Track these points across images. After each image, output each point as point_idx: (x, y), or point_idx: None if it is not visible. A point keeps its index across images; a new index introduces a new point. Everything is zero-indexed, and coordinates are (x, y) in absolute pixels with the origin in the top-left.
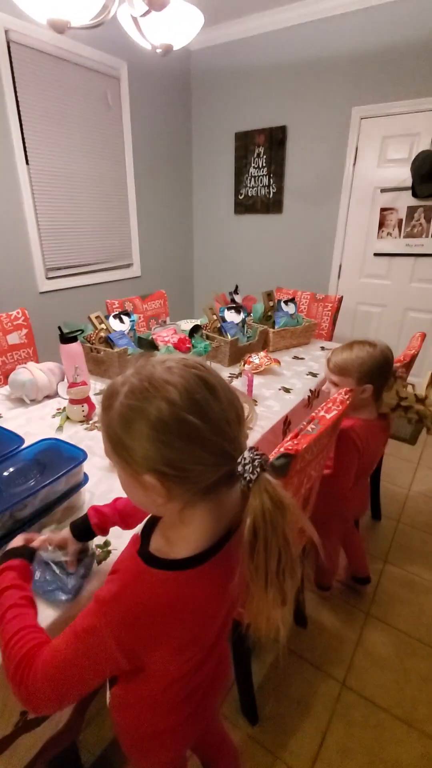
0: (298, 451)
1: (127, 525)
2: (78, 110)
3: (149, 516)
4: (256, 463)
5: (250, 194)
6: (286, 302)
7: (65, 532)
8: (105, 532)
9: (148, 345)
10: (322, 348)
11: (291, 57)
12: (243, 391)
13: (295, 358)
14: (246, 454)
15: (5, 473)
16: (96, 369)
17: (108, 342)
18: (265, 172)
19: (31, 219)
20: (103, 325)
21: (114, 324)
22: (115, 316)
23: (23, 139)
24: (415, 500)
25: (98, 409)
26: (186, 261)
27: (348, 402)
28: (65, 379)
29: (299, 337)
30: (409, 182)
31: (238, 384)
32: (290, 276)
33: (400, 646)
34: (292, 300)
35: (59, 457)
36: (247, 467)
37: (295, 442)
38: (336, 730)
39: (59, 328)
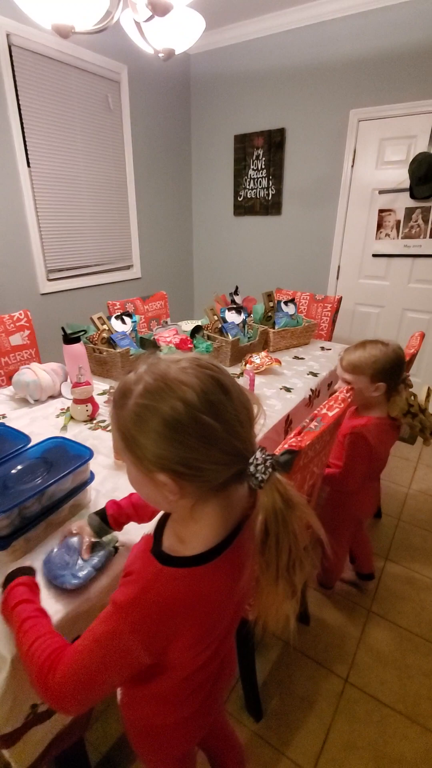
0: (301, 448)
1: (140, 518)
2: (79, 113)
3: (160, 515)
4: (267, 463)
5: (249, 196)
6: (286, 303)
7: (83, 520)
8: (120, 527)
9: (151, 346)
10: (322, 348)
11: (289, 60)
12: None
13: (296, 358)
14: (258, 454)
15: (13, 471)
16: (98, 369)
17: (110, 343)
18: (264, 174)
19: (32, 221)
20: (105, 326)
21: (116, 325)
22: (116, 317)
23: (25, 142)
24: (415, 498)
25: (110, 405)
26: (186, 262)
27: (349, 400)
28: (68, 380)
29: (299, 338)
30: (406, 184)
31: (240, 384)
32: (289, 277)
33: (402, 642)
34: (292, 301)
35: (65, 456)
36: (259, 467)
37: (299, 438)
38: (340, 726)
39: (62, 328)
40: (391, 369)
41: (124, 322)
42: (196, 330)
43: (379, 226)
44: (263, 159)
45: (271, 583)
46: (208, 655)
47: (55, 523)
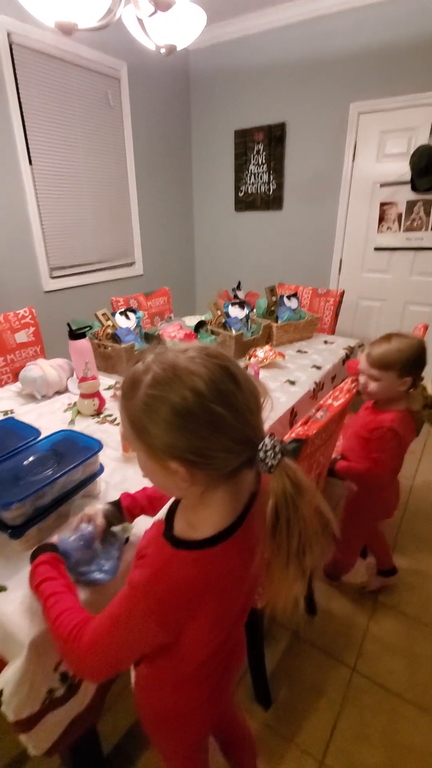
0: (309, 437)
1: (155, 510)
2: (79, 111)
3: (171, 501)
4: (277, 449)
5: (249, 191)
6: (288, 297)
7: (97, 507)
8: (133, 518)
9: (156, 341)
10: (326, 342)
11: (289, 55)
12: None
13: (299, 351)
14: (266, 440)
15: (24, 462)
16: (103, 365)
17: (115, 338)
18: (264, 169)
19: (35, 219)
20: (109, 322)
21: (120, 321)
22: (121, 313)
23: (26, 139)
24: (419, 490)
25: (119, 396)
26: (187, 259)
27: (354, 391)
28: (74, 375)
29: (302, 332)
30: (408, 176)
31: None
32: (291, 272)
33: (409, 632)
34: (295, 295)
35: (75, 447)
36: (268, 453)
37: (306, 428)
38: (349, 715)
39: (68, 324)
40: (418, 362)
41: (128, 317)
42: (200, 325)
43: (381, 219)
44: (264, 154)
45: (281, 566)
46: (221, 640)
47: (66, 514)
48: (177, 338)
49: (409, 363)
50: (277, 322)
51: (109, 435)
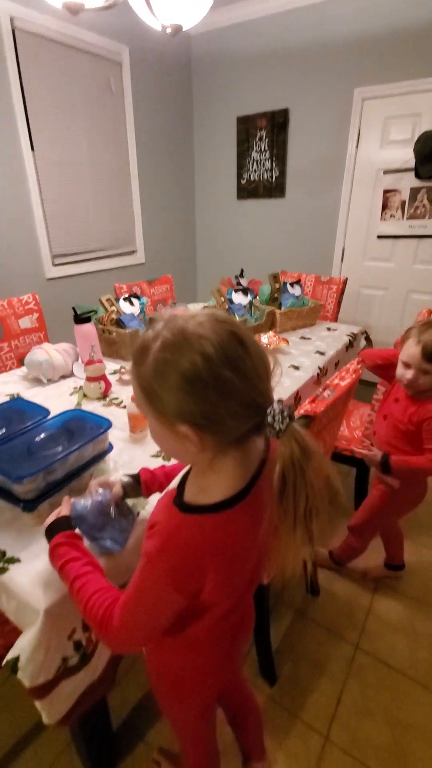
0: (317, 414)
1: None
2: (81, 96)
3: (184, 471)
4: (285, 414)
5: (252, 179)
6: (292, 284)
7: (115, 478)
8: (149, 493)
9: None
10: (329, 329)
11: (292, 40)
12: None
13: (302, 338)
14: (275, 405)
15: (36, 439)
16: (108, 350)
17: (119, 324)
18: (267, 156)
19: (37, 205)
20: (114, 308)
21: (124, 307)
22: (125, 299)
23: (28, 125)
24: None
25: (130, 363)
26: (189, 247)
27: (360, 371)
28: (80, 360)
29: (305, 318)
30: (411, 163)
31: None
32: (293, 260)
33: (411, 612)
34: (298, 282)
35: (84, 426)
36: (276, 418)
37: (314, 405)
38: (352, 690)
39: (73, 309)
40: None
41: (132, 303)
42: None
43: (384, 206)
44: (266, 140)
45: (289, 530)
46: (232, 604)
47: (77, 490)
48: None
49: None
50: (280, 308)
51: (116, 417)
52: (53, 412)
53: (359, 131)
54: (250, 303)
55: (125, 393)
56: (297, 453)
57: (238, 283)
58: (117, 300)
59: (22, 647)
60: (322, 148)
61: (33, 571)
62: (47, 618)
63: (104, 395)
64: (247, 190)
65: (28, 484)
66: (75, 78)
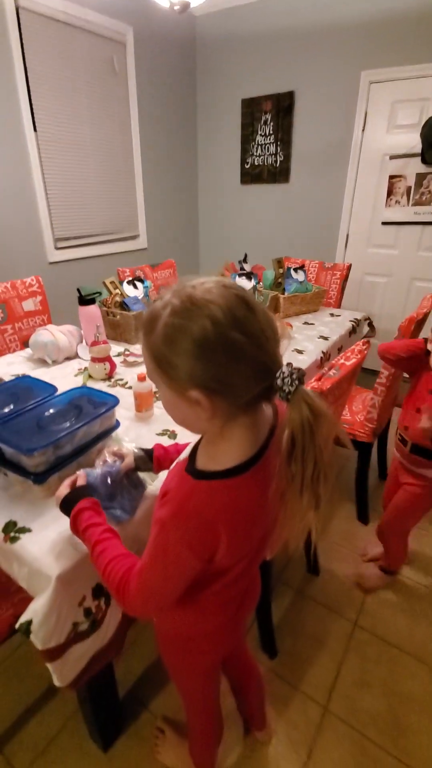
0: (323, 390)
1: None
2: (85, 76)
3: (195, 441)
4: (294, 376)
5: (256, 163)
6: (295, 270)
7: (130, 448)
8: (159, 469)
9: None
10: (332, 315)
11: (299, 20)
12: None
13: (306, 323)
14: (284, 368)
15: (45, 414)
16: (112, 333)
17: (123, 306)
18: (272, 140)
19: (39, 187)
20: (117, 290)
21: (128, 290)
22: (128, 282)
23: (31, 106)
24: None
25: (140, 334)
26: (192, 232)
27: (365, 352)
28: (84, 341)
29: (309, 304)
30: (418, 148)
31: None
32: (297, 246)
33: (409, 591)
34: (302, 267)
35: (92, 403)
36: (285, 380)
37: (320, 383)
38: (351, 664)
39: (78, 290)
40: None
41: (135, 287)
42: None
43: (389, 192)
44: (271, 124)
45: (296, 494)
46: (238, 572)
47: (85, 465)
48: None
49: None
50: (284, 293)
51: (122, 398)
52: (60, 391)
53: (366, 115)
54: (254, 288)
55: (130, 374)
56: (307, 415)
57: (242, 268)
58: (121, 283)
59: (34, 611)
60: (328, 132)
61: (44, 541)
62: (59, 584)
63: (109, 376)
64: (251, 175)
65: (38, 457)
66: (78, 58)
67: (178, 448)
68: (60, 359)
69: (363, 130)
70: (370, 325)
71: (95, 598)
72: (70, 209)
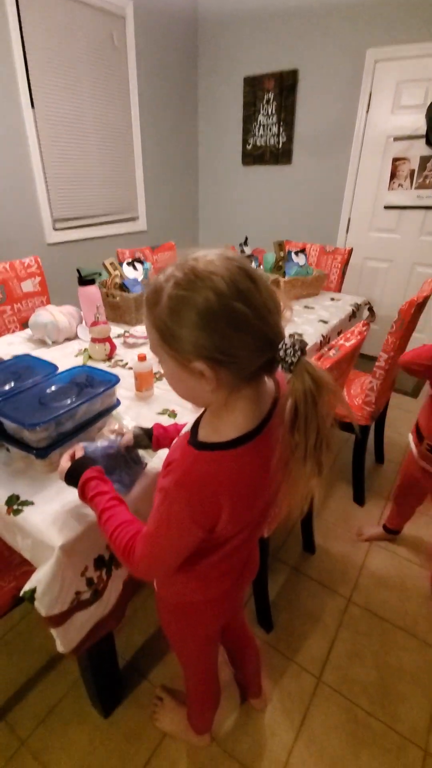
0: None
1: None
2: (84, 52)
3: (197, 416)
4: (296, 347)
5: (258, 144)
6: (296, 253)
7: (130, 425)
8: (158, 447)
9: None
10: (332, 299)
11: None
12: None
13: (306, 307)
14: (286, 339)
15: (47, 391)
16: (111, 314)
17: (123, 288)
18: (274, 120)
19: (37, 166)
20: (117, 272)
21: (128, 271)
22: (128, 264)
23: (29, 81)
24: None
25: (144, 307)
26: (192, 214)
27: (365, 333)
28: (83, 322)
29: (309, 288)
30: (423, 130)
31: None
32: (298, 230)
33: (402, 569)
34: (303, 251)
35: (93, 381)
36: (288, 351)
37: (319, 362)
38: (344, 638)
39: (78, 270)
40: None
41: (135, 268)
42: None
43: (393, 175)
44: (274, 103)
45: (299, 463)
46: (241, 541)
47: (86, 440)
48: None
49: None
50: (284, 277)
51: (122, 379)
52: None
53: (370, 95)
54: None
55: (130, 355)
56: (309, 384)
57: (242, 251)
58: (120, 264)
59: (38, 580)
60: (332, 112)
61: (46, 513)
62: (62, 554)
63: (109, 357)
64: (252, 156)
65: (41, 432)
66: (77, 32)
67: (178, 428)
68: (60, 340)
69: (367, 110)
70: (370, 309)
71: (97, 569)
72: (68, 189)
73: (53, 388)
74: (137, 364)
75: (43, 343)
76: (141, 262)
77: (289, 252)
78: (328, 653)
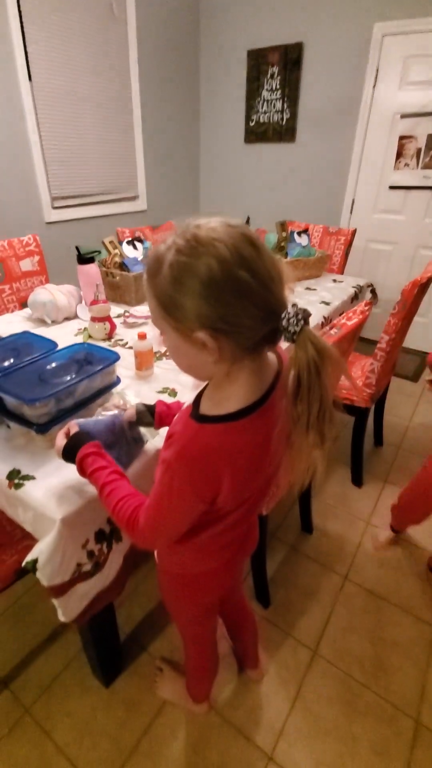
0: None
1: None
2: (82, 22)
3: (199, 390)
4: (299, 316)
5: (261, 120)
6: (299, 233)
7: (131, 403)
8: (160, 425)
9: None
10: (334, 280)
11: None
12: None
13: (308, 289)
14: (289, 309)
15: (47, 368)
16: (111, 294)
17: (123, 267)
18: (278, 96)
19: (35, 141)
20: (117, 251)
21: (128, 250)
22: (128, 242)
23: (26, 53)
24: (415, 430)
25: (144, 277)
26: (192, 193)
27: (368, 313)
28: (83, 302)
29: (311, 269)
30: (430, 107)
31: None
32: (300, 210)
33: (398, 549)
34: (305, 231)
35: (93, 358)
36: (291, 320)
37: None
38: (339, 614)
39: (77, 248)
40: None
41: (135, 247)
42: None
43: (399, 154)
44: (278, 78)
45: (302, 433)
46: (241, 514)
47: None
48: None
49: None
50: (286, 257)
51: (122, 357)
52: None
53: (377, 70)
54: None
55: (130, 335)
56: (312, 354)
57: None
58: (120, 243)
59: (40, 551)
60: (337, 88)
61: (47, 487)
62: (63, 527)
63: (109, 336)
64: (255, 133)
65: (41, 408)
66: (76, 2)
67: (180, 406)
68: (59, 319)
69: (374, 86)
70: (373, 292)
71: (98, 542)
72: (67, 165)
73: (53, 364)
74: (137, 342)
75: (42, 322)
76: (141, 241)
77: (292, 232)
78: (324, 628)
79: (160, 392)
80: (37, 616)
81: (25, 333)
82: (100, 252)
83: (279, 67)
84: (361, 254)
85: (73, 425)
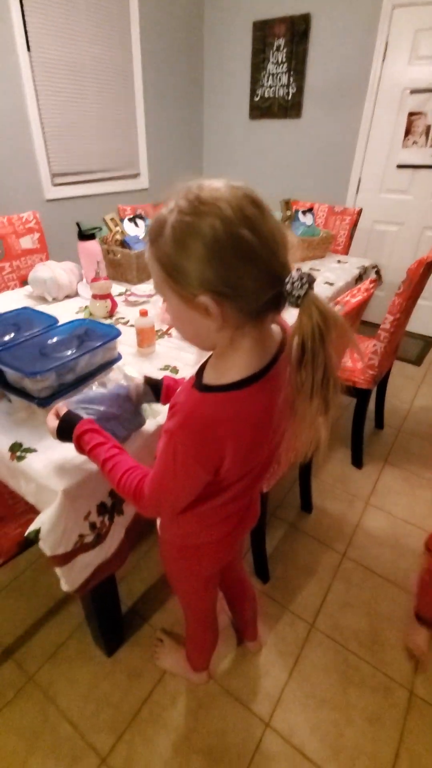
0: None
1: None
2: None
3: (203, 362)
4: (304, 280)
5: (266, 95)
6: (304, 212)
7: (138, 374)
8: (166, 400)
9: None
10: (339, 261)
11: None
12: None
13: (311, 269)
14: (293, 273)
15: (48, 342)
16: (112, 273)
17: (124, 245)
18: (284, 70)
19: (34, 115)
20: (118, 228)
21: (129, 228)
22: (129, 220)
23: (24, 21)
24: (416, 414)
25: (146, 243)
26: (196, 170)
27: (373, 291)
28: (84, 280)
29: (315, 249)
30: None
31: None
32: (305, 189)
33: (396, 529)
34: (310, 210)
35: (94, 334)
36: (295, 284)
37: None
38: (337, 589)
39: (77, 224)
40: None
41: (137, 225)
42: None
43: (407, 132)
44: (284, 51)
45: (305, 400)
46: (243, 487)
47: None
48: None
49: None
50: None
51: (124, 335)
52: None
53: (386, 44)
54: None
55: (132, 313)
56: (317, 319)
57: None
58: (122, 221)
59: (42, 521)
60: (345, 62)
61: (49, 459)
62: (65, 498)
63: (110, 314)
64: (260, 109)
65: (42, 382)
66: None
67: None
68: (60, 297)
69: (383, 60)
70: (377, 273)
71: (100, 515)
72: (67, 141)
73: (54, 339)
74: (139, 319)
75: (43, 299)
76: (143, 218)
77: (297, 211)
78: (322, 603)
79: (161, 369)
80: (41, 588)
81: (26, 309)
82: (101, 229)
83: (285, 39)
84: (367, 235)
85: (62, 406)
